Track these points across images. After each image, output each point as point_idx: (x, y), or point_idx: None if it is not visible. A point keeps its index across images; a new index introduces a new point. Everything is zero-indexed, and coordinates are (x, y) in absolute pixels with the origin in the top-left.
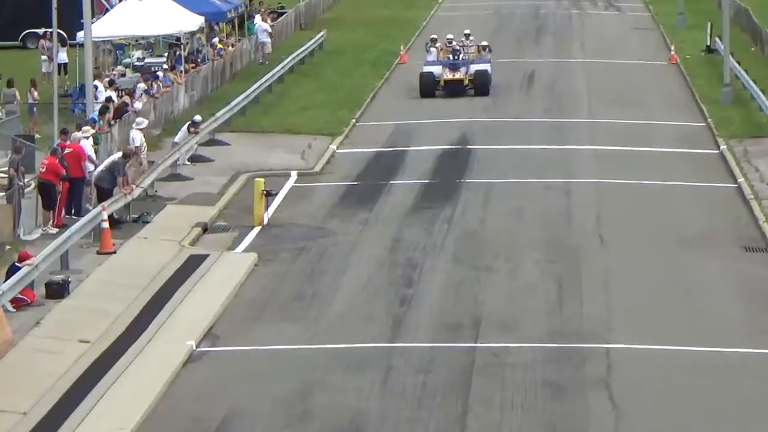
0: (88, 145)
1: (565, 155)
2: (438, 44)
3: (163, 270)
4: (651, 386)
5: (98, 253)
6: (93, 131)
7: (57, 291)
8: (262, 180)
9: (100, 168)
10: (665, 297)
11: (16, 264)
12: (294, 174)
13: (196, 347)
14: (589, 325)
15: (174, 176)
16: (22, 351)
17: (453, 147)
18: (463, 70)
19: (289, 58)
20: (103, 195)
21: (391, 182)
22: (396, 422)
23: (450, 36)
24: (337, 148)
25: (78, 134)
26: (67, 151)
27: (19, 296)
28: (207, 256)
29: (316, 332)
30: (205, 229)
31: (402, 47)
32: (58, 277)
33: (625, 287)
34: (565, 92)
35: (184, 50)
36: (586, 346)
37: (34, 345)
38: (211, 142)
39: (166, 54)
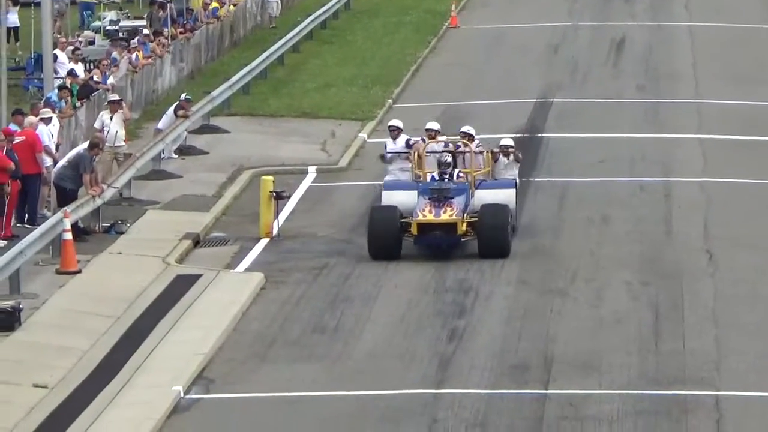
0: (45, 133)
1: (663, 146)
2: (412, 140)
3: (142, 294)
4: None
5: (58, 272)
6: (52, 114)
7: (5, 321)
8: (270, 178)
9: (62, 163)
10: None
11: None
12: (312, 170)
13: (185, 394)
14: (694, 366)
15: (157, 173)
16: None
17: (519, 135)
18: (457, 202)
19: (307, 21)
20: (66, 197)
21: None
22: None
23: (433, 126)
24: (368, 137)
25: (32, 118)
26: (17, 140)
27: None
28: (199, 276)
29: (339, 375)
30: (197, 242)
31: (453, 6)
32: (7, 304)
33: (739, 318)
34: (664, 65)
35: (170, 11)
36: (690, 394)
37: None
38: (205, 129)
39: (146, 15)
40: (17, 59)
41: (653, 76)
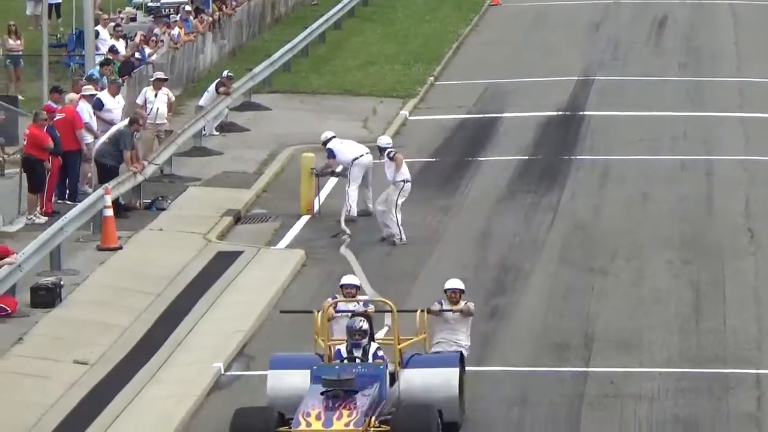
0: (85, 110)
1: (705, 125)
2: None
3: (182, 271)
4: None
5: (99, 249)
6: (93, 91)
7: (46, 298)
8: (311, 155)
9: (102, 139)
10: None
11: None
12: None
13: (225, 371)
14: (734, 345)
15: (198, 150)
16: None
17: (560, 113)
18: (362, 401)
19: None
20: (107, 174)
21: (479, 159)
22: None
23: (351, 281)
24: (410, 114)
25: (73, 95)
26: (58, 117)
27: None
28: (240, 253)
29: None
30: (238, 219)
31: None
32: (48, 280)
33: None
34: (705, 44)
35: None
36: (731, 372)
37: (16, 367)
38: (246, 106)
39: None
40: (59, 36)
41: (695, 54)
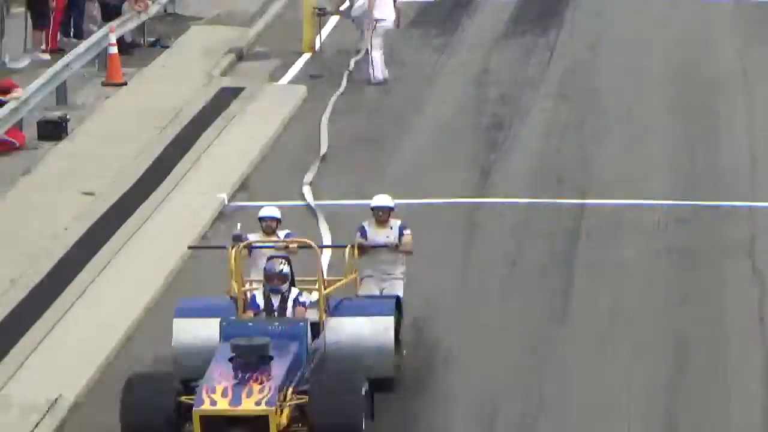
0: None
1: None
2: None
3: (186, 106)
4: None
5: (104, 84)
6: None
7: (52, 131)
8: None
9: None
10: None
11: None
12: None
13: (228, 201)
14: (727, 177)
15: None
16: (8, 206)
17: None
18: (278, 369)
19: None
20: (110, 12)
21: None
22: (483, 297)
23: (272, 213)
24: None
25: None
26: None
27: (5, 138)
28: (243, 89)
29: (383, 185)
30: (241, 56)
31: None
32: (54, 114)
33: None
34: None
35: None
36: (724, 205)
37: (25, 198)
38: None
39: None
40: None
41: None
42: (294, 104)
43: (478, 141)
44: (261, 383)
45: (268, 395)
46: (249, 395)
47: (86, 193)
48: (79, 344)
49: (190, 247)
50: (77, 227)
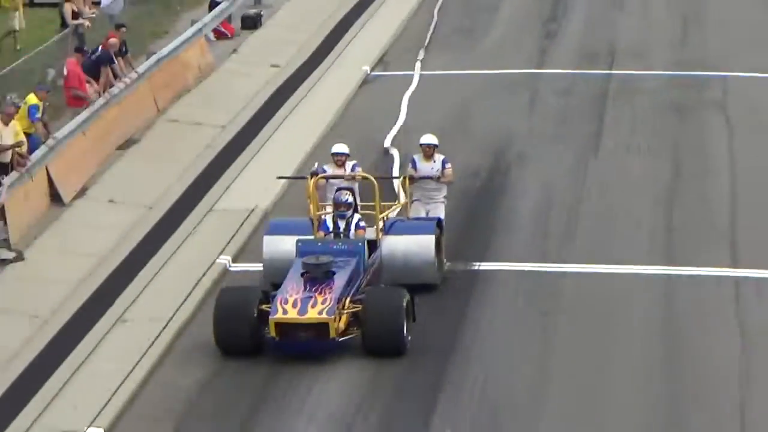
0: None
1: None
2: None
3: (343, 3)
4: (763, 107)
5: None
6: None
7: (251, 23)
8: None
9: None
10: None
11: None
12: None
13: (370, 72)
14: (710, 56)
15: None
16: (220, 74)
17: None
18: (338, 284)
19: None
20: None
21: None
22: (541, 137)
23: (341, 149)
24: None
25: None
26: None
27: (220, 28)
28: None
29: (474, 60)
30: None
31: None
32: (252, 11)
33: (745, 25)
34: None
35: None
36: (706, 74)
37: (232, 69)
38: None
39: None
40: None
41: None
42: (415, 4)
43: (539, 29)
44: (324, 295)
45: (329, 306)
46: (313, 306)
47: (273, 66)
48: None
49: (278, 177)
50: (264, 93)
